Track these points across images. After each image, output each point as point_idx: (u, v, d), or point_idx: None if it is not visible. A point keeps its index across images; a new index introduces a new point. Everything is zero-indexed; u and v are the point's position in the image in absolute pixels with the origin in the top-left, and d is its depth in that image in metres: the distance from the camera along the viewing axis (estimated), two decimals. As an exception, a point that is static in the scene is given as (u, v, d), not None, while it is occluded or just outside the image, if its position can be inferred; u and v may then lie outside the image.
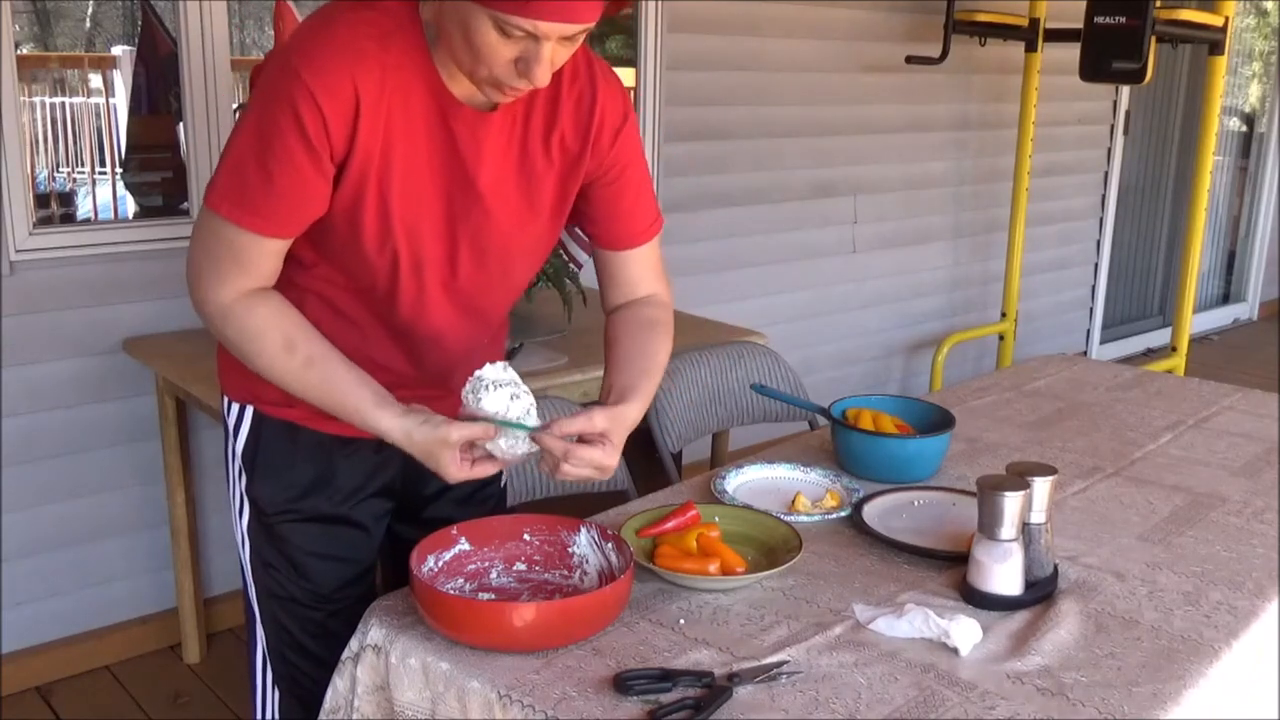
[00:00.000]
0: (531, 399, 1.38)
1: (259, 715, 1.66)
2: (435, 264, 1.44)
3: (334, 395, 1.39)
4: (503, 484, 1.79)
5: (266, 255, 1.38)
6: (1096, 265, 5.79)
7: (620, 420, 1.42)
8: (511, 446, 1.37)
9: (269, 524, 1.55)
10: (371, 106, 1.31)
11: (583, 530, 1.53)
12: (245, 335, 1.39)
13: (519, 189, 1.45)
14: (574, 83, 1.45)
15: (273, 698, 1.63)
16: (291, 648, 1.59)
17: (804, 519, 1.73)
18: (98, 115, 3.03)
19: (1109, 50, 3.97)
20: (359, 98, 1.29)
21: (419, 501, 1.66)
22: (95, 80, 3.05)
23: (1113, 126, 5.58)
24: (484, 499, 1.72)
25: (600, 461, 1.38)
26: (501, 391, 1.36)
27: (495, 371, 1.38)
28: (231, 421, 1.55)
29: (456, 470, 1.36)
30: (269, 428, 1.53)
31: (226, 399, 1.57)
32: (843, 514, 1.75)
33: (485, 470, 1.39)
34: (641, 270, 1.61)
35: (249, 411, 1.54)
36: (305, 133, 1.28)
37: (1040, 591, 1.49)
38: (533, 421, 1.38)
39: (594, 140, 1.48)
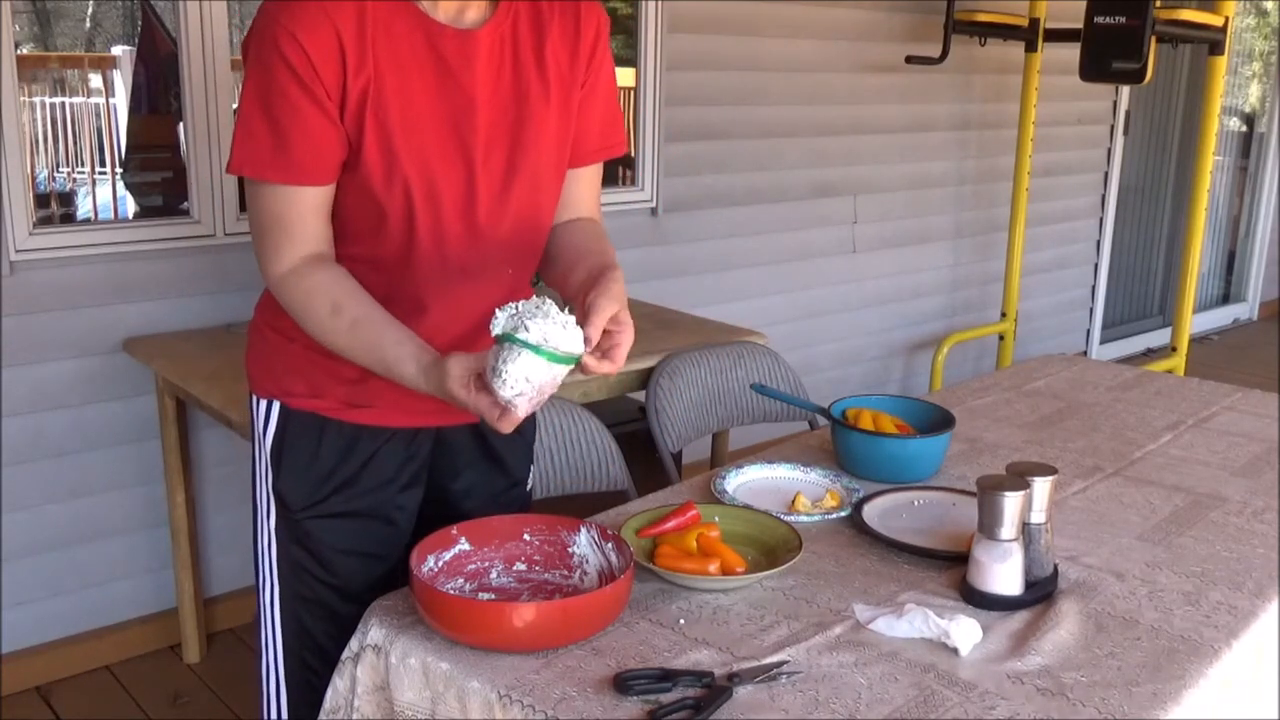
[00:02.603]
0: (536, 337, 1.25)
1: (266, 717, 1.65)
2: (452, 194, 1.43)
3: (378, 355, 1.39)
4: (529, 487, 1.78)
5: (304, 212, 1.39)
6: (1096, 265, 5.79)
7: (621, 299, 1.36)
8: (497, 381, 1.26)
9: (297, 520, 1.55)
10: (355, 42, 1.34)
11: (583, 530, 1.53)
12: (298, 304, 1.42)
13: (519, 105, 1.46)
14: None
15: (279, 701, 1.63)
16: (311, 651, 1.58)
17: (804, 519, 1.73)
18: (98, 115, 3.04)
19: (1109, 50, 3.97)
20: (340, 35, 1.33)
21: (446, 496, 1.66)
22: (95, 80, 3.05)
23: (1113, 126, 5.58)
24: (509, 501, 1.72)
25: (628, 345, 1.35)
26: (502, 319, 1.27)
27: (510, 307, 1.28)
28: (260, 419, 1.56)
29: (464, 394, 1.31)
30: (295, 421, 1.53)
31: (254, 397, 1.57)
32: (843, 514, 1.75)
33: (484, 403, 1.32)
34: (587, 190, 1.61)
35: (276, 407, 1.54)
36: (297, 74, 1.32)
37: (1040, 591, 1.49)
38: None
39: (580, 50, 1.50)
